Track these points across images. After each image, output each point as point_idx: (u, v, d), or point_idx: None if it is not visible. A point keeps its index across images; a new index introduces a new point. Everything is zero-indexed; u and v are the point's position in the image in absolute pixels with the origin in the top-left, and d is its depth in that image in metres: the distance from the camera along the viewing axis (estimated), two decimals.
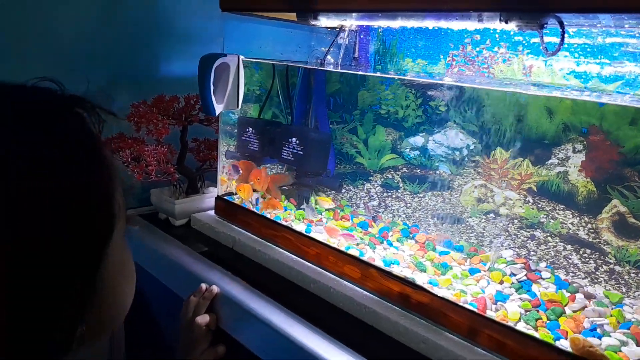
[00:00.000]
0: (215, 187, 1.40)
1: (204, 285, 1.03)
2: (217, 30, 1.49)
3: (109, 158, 0.49)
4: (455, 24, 0.87)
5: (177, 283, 1.14)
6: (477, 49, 1.16)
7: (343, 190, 1.38)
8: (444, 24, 0.89)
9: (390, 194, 1.30)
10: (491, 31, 1.11)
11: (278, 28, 1.37)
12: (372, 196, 1.33)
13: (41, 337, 0.44)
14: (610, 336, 0.81)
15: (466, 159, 1.15)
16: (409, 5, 0.82)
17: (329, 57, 1.36)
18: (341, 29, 1.27)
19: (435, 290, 0.90)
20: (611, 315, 0.87)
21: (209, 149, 1.42)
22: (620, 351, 0.77)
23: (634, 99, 0.94)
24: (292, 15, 1.15)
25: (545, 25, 0.75)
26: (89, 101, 0.49)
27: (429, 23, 0.91)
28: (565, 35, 0.77)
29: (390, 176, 1.30)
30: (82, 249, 0.45)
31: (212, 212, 1.33)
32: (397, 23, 0.94)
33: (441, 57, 1.23)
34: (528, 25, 0.75)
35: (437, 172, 1.21)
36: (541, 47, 0.78)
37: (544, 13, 0.73)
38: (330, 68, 1.33)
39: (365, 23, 1.13)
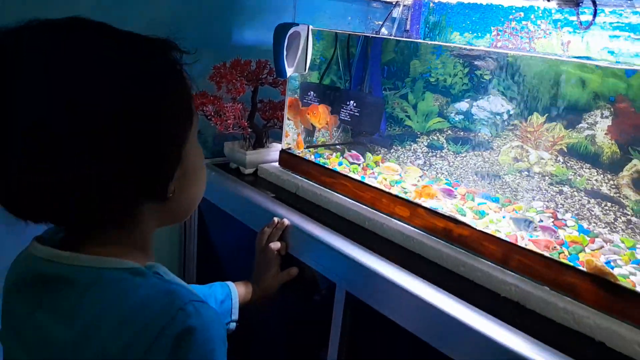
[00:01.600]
0: (278, 143, 1.59)
1: (276, 219, 1.22)
2: (282, 3, 1.67)
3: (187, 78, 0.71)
4: (506, 0, 1.02)
5: (250, 218, 1.34)
6: (520, 24, 1.30)
7: (392, 150, 1.55)
8: None
9: (435, 153, 1.47)
10: (535, 8, 1.25)
11: (338, 2, 1.53)
12: (419, 156, 1.50)
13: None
14: (621, 267, 0.97)
15: (505, 123, 1.31)
16: None
17: (383, 29, 1.52)
18: (396, 3, 1.43)
19: (474, 225, 1.07)
20: (624, 255, 1.03)
21: (273, 109, 1.61)
22: (629, 278, 0.93)
23: None
24: None
25: (580, 4, 0.90)
26: (175, 43, 0.72)
27: None
28: (599, 12, 0.92)
29: (435, 138, 1.47)
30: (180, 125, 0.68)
31: (276, 164, 1.52)
32: None
33: (491, 28, 1.37)
34: (567, 4, 0.90)
35: (479, 134, 1.37)
36: (576, 22, 0.94)
37: None
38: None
39: None
